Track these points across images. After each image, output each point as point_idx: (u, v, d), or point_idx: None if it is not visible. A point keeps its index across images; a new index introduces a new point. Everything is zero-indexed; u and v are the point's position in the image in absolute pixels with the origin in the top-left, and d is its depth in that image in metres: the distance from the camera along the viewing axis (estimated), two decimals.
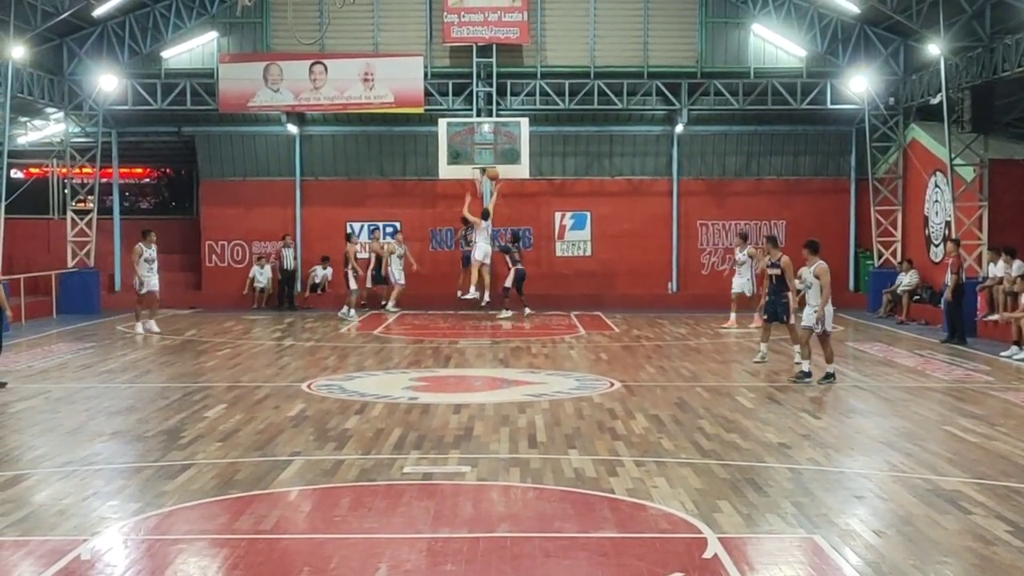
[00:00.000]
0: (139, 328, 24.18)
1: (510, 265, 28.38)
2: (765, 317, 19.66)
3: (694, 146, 32.32)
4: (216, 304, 30.95)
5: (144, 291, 24.43)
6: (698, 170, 32.50)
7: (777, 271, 19.13)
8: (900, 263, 29.23)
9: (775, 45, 31.19)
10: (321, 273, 31.49)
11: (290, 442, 12.46)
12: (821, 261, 17.02)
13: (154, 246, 24.66)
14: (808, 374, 16.99)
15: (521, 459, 11.57)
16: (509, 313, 27.77)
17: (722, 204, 32.40)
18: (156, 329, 24.22)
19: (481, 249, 27.94)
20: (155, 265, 24.65)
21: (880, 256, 30.55)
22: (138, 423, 13.73)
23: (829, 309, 16.99)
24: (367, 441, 12.50)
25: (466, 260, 28.51)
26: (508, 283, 28.29)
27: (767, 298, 19.62)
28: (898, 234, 30.48)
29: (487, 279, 28.32)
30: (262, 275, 31.50)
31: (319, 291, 31.52)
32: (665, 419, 13.92)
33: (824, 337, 17.01)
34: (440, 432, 13.02)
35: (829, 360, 17.11)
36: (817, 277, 16.85)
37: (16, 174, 33.14)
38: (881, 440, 12.71)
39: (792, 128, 32.10)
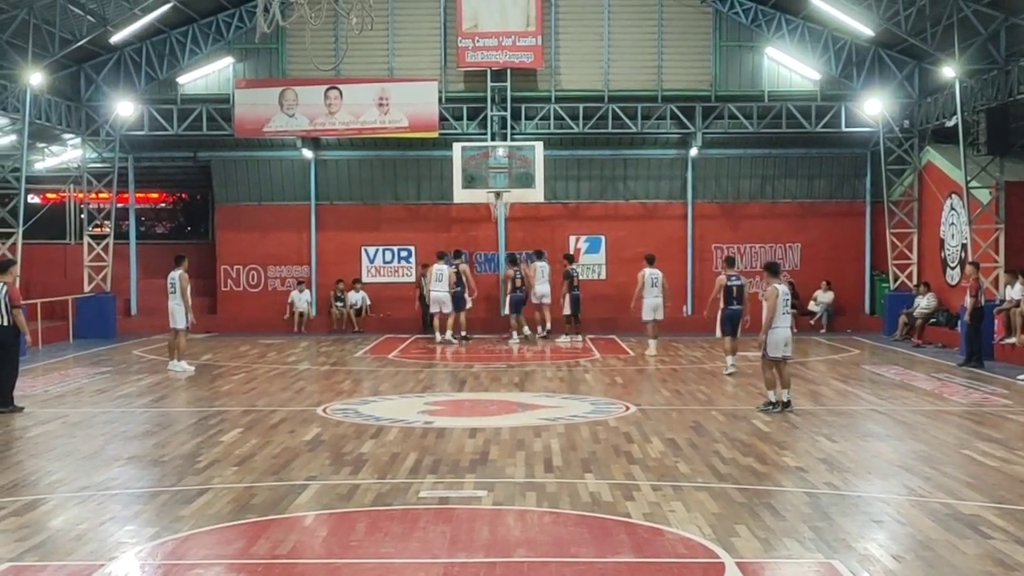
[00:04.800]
0: (185, 365, 22.14)
1: (567, 291, 28.08)
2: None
3: (708, 169, 32.34)
4: (231, 328, 31.00)
5: (188, 324, 22.42)
6: (712, 193, 32.51)
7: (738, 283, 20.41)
8: (916, 286, 29.16)
9: (789, 68, 31.23)
10: (356, 297, 31.52)
11: (306, 466, 12.45)
12: (776, 284, 16.73)
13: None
14: (772, 403, 16.62)
15: (537, 483, 11.54)
16: (568, 339, 27.63)
17: (737, 227, 32.39)
18: (189, 368, 22.11)
19: (539, 290, 28.31)
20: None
21: (896, 279, 30.48)
22: (154, 448, 13.75)
23: (773, 335, 16.42)
24: (383, 465, 12.49)
25: (516, 306, 28.30)
26: (567, 310, 28.03)
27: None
28: (914, 257, 30.41)
29: (547, 315, 28.64)
30: (301, 299, 31.60)
31: (362, 315, 31.52)
32: (681, 443, 13.88)
33: (768, 363, 16.53)
34: (456, 456, 13.00)
35: (769, 386, 16.62)
36: (764, 299, 16.66)
37: (33, 199, 33.28)
38: (899, 464, 12.65)
39: (807, 151, 32.10)
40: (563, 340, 27.67)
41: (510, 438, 14.20)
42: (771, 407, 16.40)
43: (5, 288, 16.82)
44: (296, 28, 30.31)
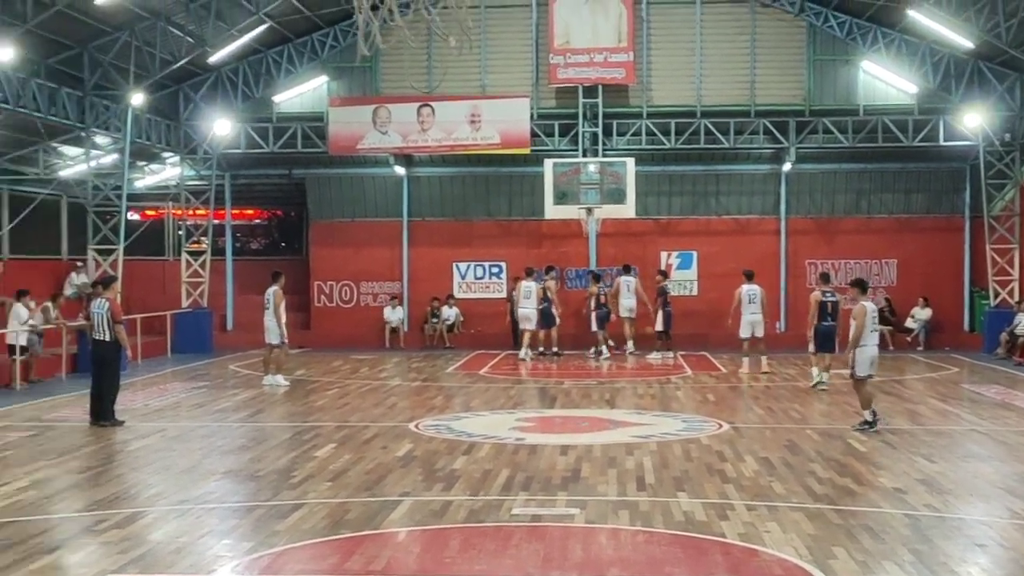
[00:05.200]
0: (281, 380, 22.25)
1: (660, 307, 27.92)
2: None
3: (802, 184, 32.02)
4: (324, 344, 31.32)
5: (281, 340, 22.49)
6: (807, 209, 32.17)
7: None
8: (1018, 303, 28.51)
9: (885, 82, 30.81)
10: (449, 313, 31.74)
11: (399, 482, 12.53)
12: (864, 302, 16.48)
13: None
14: (869, 423, 16.34)
15: (630, 501, 11.48)
16: (660, 355, 27.55)
17: (831, 243, 31.99)
18: (284, 383, 22.26)
19: (626, 305, 28.24)
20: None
21: (996, 296, 29.83)
22: (250, 462, 13.93)
23: (862, 354, 16.21)
24: (475, 482, 12.52)
25: (601, 322, 28.23)
26: (659, 327, 27.92)
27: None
28: (1015, 273, 29.75)
29: (632, 330, 28.62)
30: (393, 315, 31.90)
31: (455, 331, 31.71)
32: (775, 462, 13.72)
33: (861, 382, 16.35)
34: (547, 473, 12.99)
35: (866, 405, 16.34)
36: (853, 318, 16.39)
37: (133, 217, 34.00)
38: (1001, 486, 12.36)
39: (903, 165, 31.61)
40: (654, 357, 27.52)
41: (602, 455, 14.15)
42: (867, 426, 16.14)
43: (107, 304, 17.21)
44: (390, 47, 30.70)
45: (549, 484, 12.39)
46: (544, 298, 27.80)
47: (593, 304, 28.44)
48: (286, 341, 22.67)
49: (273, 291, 22.35)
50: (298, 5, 28.26)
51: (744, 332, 24.07)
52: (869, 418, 16.24)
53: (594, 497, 11.71)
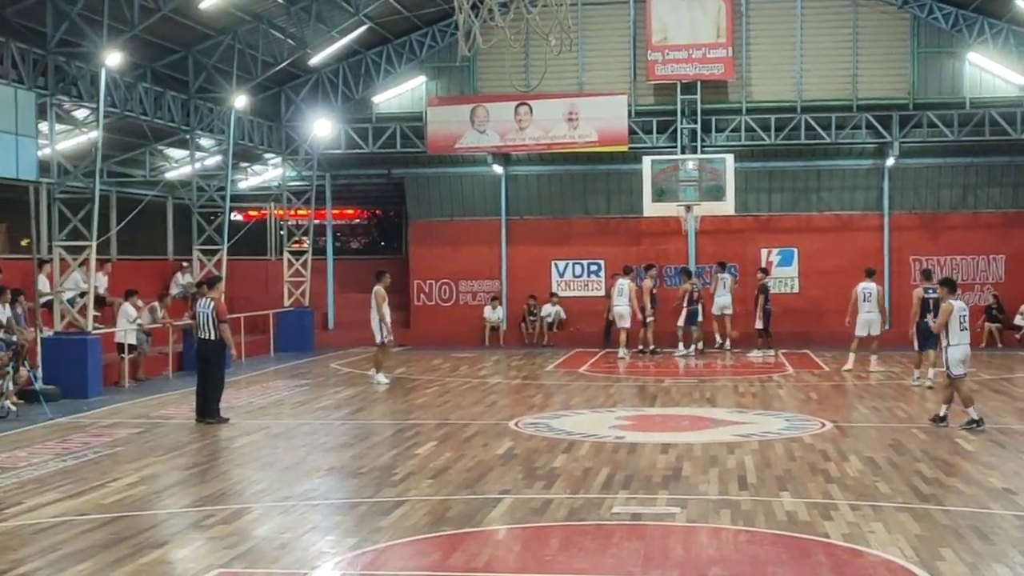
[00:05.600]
0: (381, 378, 22.49)
1: (760, 305, 27.63)
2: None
3: (906, 179, 31.45)
4: (424, 342, 31.54)
5: (388, 339, 22.77)
6: (911, 204, 31.59)
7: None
8: None
9: (992, 74, 30.12)
10: (550, 311, 31.80)
11: (499, 480, 12.57)
12: (952, 301, 16.15)
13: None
14: (975, 421, 16.02)
15: (731, 501, 11.39)
16: (761, 353, 27.33)
17: (936, 239, 31.37)
18: (384, 381, 22.40)
19: (720, 303, 28.32)
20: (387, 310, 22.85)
21: None
22: (352, 459, 14.09)
23: (953, 353, 15.94)
24: (575, 480, 12.51)
25: (692, 318, 28.04)
26: (759, 324, 27.58)
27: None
28: None
29: (728, 327, 28.62)
30: (493, 314, 32.05)
31: (554, 329, 31.76)
32: (880, 461, 13.50)
33: (957, 381, 16.05)
34: (648, 472, 12.94)
35: (967, 403, 16.04)
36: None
37: (236, 217, 34.58)
38: None
39: (1011, 159, 30.88)
40: (755, 354, 27.25)
41: (703, 454, 14.06)
42: (974, 425, 15.82)
43: (212, 304, 17.53)
44: (489, 47, 30.83)
45: (649, 483, 12.34)
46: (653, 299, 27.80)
47: (685, 301, 28.20)
48: (387, 340, 22.79)
49: (374, 290, 22.53)
50: (397, 6, 28.51)
51: (860, 330, 23.75)
52: (975, 416, 15.92)
53: (695, 496, 11.63)
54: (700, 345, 28.15)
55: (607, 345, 29.54)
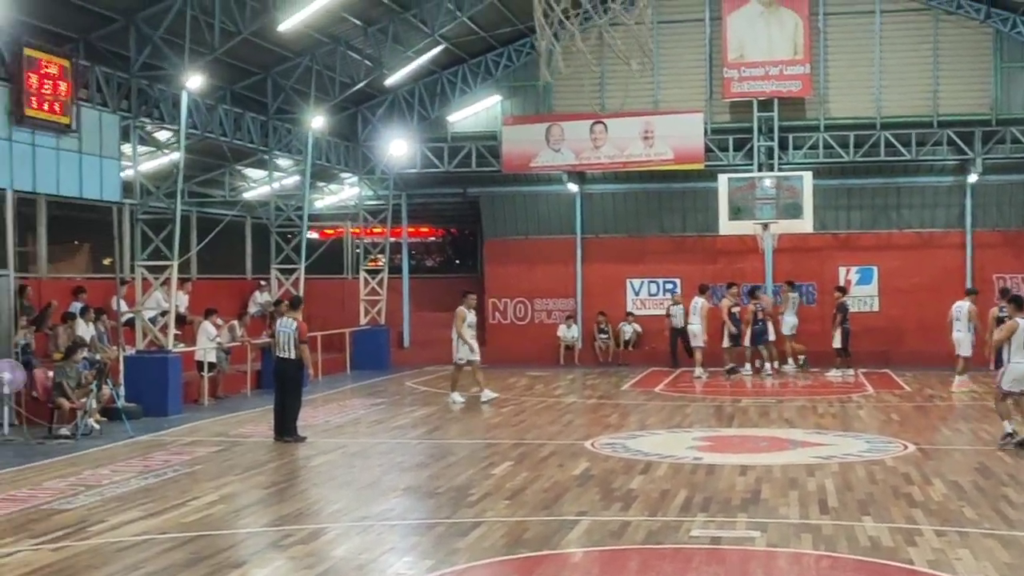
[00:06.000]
0: (456, 397, 22.47)
1: (838, 324, 27.26)
2: None
3: (989, 196, 30.91)
4: (499, 360, 31.47)
5: (473, 357, 22.58)
6: (994, 221, 31.03)
7: None
8: None
9: None
10: (627, 329, 31.70)
11: (576, 501, 12.50)
12: (1019, 319, 15.85)
13: (473, 310, 23.07)
14: (1010, 435, 15.90)
15: (812, 525, 11.21)
16: (840, 373, 26.98)
17: (1020, 256, 30.76)
18: (460, 400, 22.39)
19: (789, 323, 28.21)
20: (474, 329, 23.04)
21: None
22: (429, 479, 14.10)
23: (1012, 369, 15.89)
24: (653, 502, 12.41)
25: (756, 338, 27.79)
26: (837, 344, 27.18)
27: None
28: None
29: (797, 347, 28.44)
30: (568, 333, 32.01)
31: (630, 347, 31.66)
32: (965, 485, 13.23)
33: (1004, 395, 16.08)
34: (727, 494, 12.79)
35: (1004, 416, 16.06)
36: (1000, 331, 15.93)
37: (313, 236, 34.88)
38: None
39: None
40: (834, 374, 26.90)
41: (782, 476, 13.88)
42: (1009, 439, 15.64)
43: (294, 324, 17.67)
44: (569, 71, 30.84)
45: (728, 505, 12.20)
46: (732, 315, 27.54)
47: (751, 320, 27.93)
48: (464, 359, 22.65)
49: (456, 311, 22.49)
50: (473, 26, 28.62)
51: (962, 350, 23.70)
52: (1008, 430, 15.79)
53: (775, 520, 11.47)
54: (777, 364, 27.88)
55: (674, 364, 29.36)
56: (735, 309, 27.77)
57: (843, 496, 12.64)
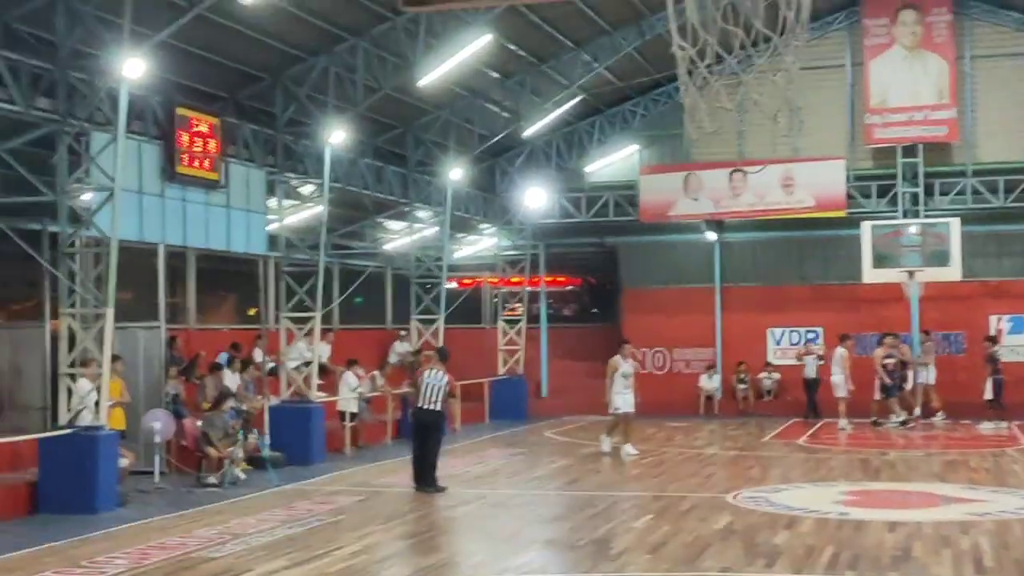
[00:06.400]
0: (605, 445, 22.23)
1: (989, 374, 26.52)
2: None
3: None
4: (638, 410, 31.03)
5: (625, 410, 21.92)
6: None
7: None
8: None
9: None
10: (768, 380, 31.30)
11: (719, 556, 12.29)
12: None
13: (631, 360, 22.63)
14: None
15: None
16: (992, 425, 26.15)
17: None
18: (633, 452, 21.81)
19: (929, 373, 27.68)
20: (630, 381, 22.14)
21: None
22: (569, 532, 14.02)
23: None
24: (798, 558, 12.13)
25: (892, 389, 27.15)
26: (989, 395, 26.45)
27: None
28: None
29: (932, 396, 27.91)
30: (709, 382, 31.72)
31: (770, 397, 31.23)
32: None
33: None
34: (875, 552, 12.44)
35: None
36: None
37: (451, 285, 35.20)
38: None
39: None
40: (986, 426, 26.06)
41: (933, 533, 13.45)
42: None
43: (446, 378, 17.81)
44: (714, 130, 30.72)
45: (878, 563, 11.86)
46: (884, 366, 26.96)
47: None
48: (619, 410, 22.06)
49: (611, 360, 22.26)
50: (610, 76, 28.71)
51: None
52: None
53: None
54: (917, 412, 27.19)
55: (809, 415, 28.71)
56: (888, 360, 26.98)
57: (999, 555, 12.18)
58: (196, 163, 18.89)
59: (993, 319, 30.41)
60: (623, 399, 21.89)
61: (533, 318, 34.00)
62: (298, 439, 21.11)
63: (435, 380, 17.73)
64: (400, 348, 30.04)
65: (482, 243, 35.02)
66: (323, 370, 24.10)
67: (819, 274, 31.92)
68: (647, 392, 32.06)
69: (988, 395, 26.33)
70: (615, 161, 32.47)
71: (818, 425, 27.66)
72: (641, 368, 32.33)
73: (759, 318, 32.05)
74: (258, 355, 23.09)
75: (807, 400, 29.28)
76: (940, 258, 27.96)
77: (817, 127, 30.84)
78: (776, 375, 31.36)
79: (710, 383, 31.75)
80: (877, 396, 26.84)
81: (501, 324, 32.52)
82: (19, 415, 19.06)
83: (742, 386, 31.44)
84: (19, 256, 18.37)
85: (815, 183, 29.70)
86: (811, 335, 31.52)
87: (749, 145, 29.97)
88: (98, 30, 15.90)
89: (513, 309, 33.03)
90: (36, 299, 21.09)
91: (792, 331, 31.93)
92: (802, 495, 16.78)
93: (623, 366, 22.04)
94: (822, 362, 28.72)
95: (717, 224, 31.94)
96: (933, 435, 25.47)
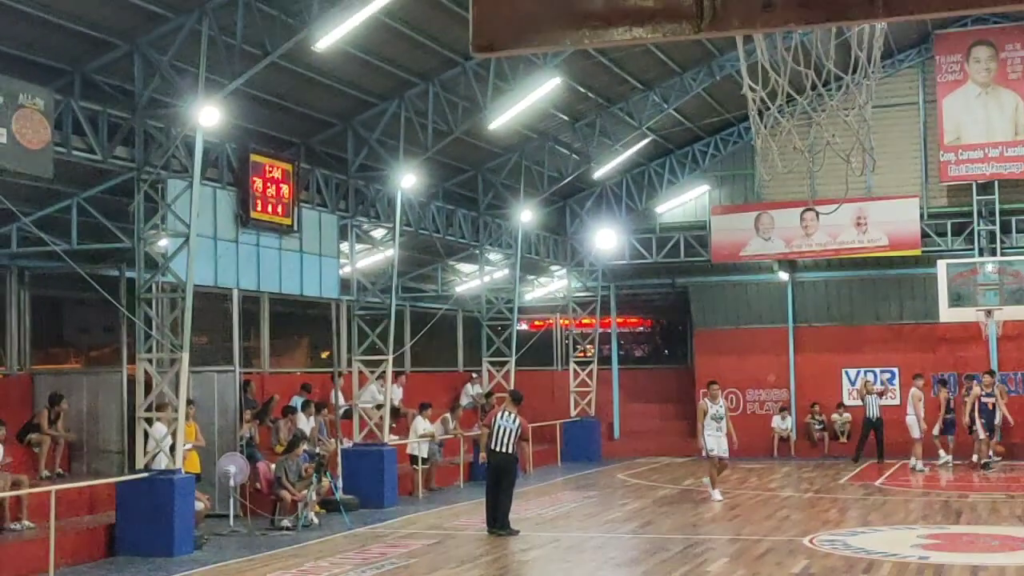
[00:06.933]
0: (715, 495, 21.44)
1: None
2: None
3: None
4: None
5: (717, 453, 21.37)
6: None
7: None
8: None
9: None
10: (843, 420, 30.91)
11: None
12: None
13: (721, 401, 21.88)
14: None
15: None
16: None
17: None
18: (718, 497, 21.37)
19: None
20: (722, 423, 21.46)
21: None
22: None
23: None
24: None
25: (948, 428, 26.67)
26: None
27: None
28: None
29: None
30: (783, 424, 31.39)
31: (844, 437, 30.79)
32: None
33: None
34: None
35: None
36: None
37: (522, 327, 35.22)
38: None
39: None
40: None
41: None
42: None
43: (519, 421, 17.81)
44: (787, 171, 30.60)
45: None
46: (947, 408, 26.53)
47: (943, 410, 26.78)
48: (712, 451, 21.50)
49: (699, 403, 22.04)
50: (679, 117, 28.69)
51: None
52: None
53: None
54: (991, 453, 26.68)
55: (858, 457, 28.12)
56: (987, 399, 26.40)
57: None
58: (270, 208, 19.12)
59: None
60: (714, 441, 21.34)
61: (604, 360, 33.91)
62: (371, 482, 21.18)
63: (508, 423, 17.75)
64: (472, 390, 30.10)
65: (553, 285, 35.02)
66: (395, 413, 24.18)
67: (894, 313, 31.51)
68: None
69: None
70: (685, 201, 32.39)
71: (896, 466, 27.18)
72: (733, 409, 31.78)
73: (833, 358, 31.67)
74: (338, 398, 23.18)
75: (859, 439, 28.66)
76: (1019, 296, 27.52)
77: (890, 165, 30.51)
78: (850, 416, 30.90)
79: (783, 424, 31.42)
80: (982, 435, 26.21)
81: (572, 366, 32.45)
82: (97, 459, 19.31)
83: (817, 427, 31.06)
84: (98, 302, 18.73)
85: (889, 221, 29.39)
86: (886, 375, 31.07)
87: (821, 184, 29.73)
88: (174, 79, 16.22)
89: (584, 351, 32.96)
90: (114, 344, 21.44)
91: (868, 371, 31.47)
92: (880, 538, 16.50)
93: (711, 408, 21.52)
94: (881, 400, 28.35)
95: (789, 264, 31.70)
96: (1015, 477, 24.93)
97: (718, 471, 21.68)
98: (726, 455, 21.63)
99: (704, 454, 21.77)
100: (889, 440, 27.96)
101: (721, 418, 21.44)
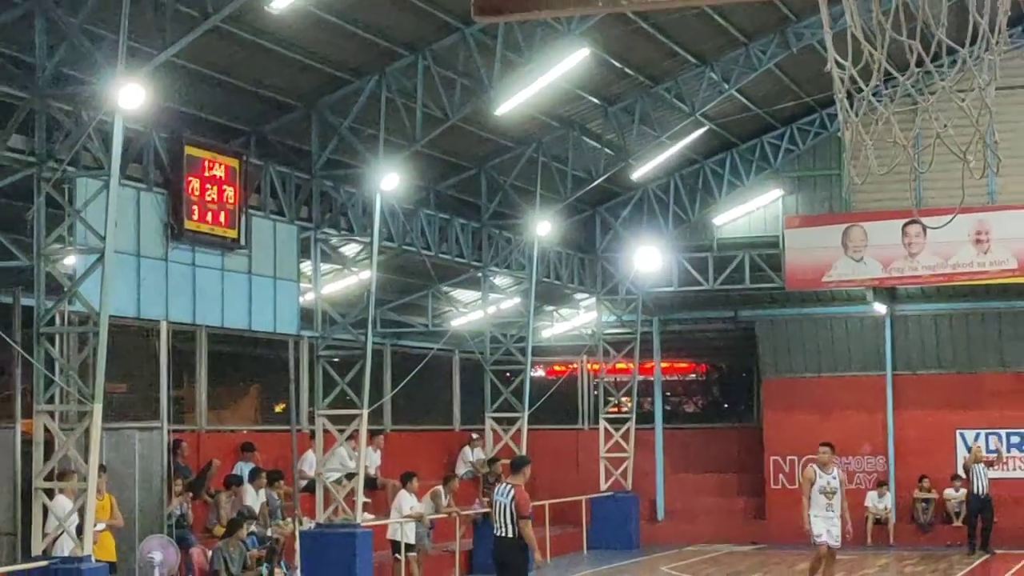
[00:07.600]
0: None
1: None
2: None
3: None
4: (784, 539, 30.80)
5: (828, 542, 20.67)
6: None
7: None
8: None
9: None
10: (955, 496, 30.74)
11: None
12: None
13: (835, 470, 21.14)
14: None
15: None
16: None
17: None
18: None
19: None
20: (836, 500, 20.73)
21: None
22: None
23: None
24: None
25: None
26: None
27: None
28: None
29: None
30: (879, 502, 31.23)
31: (959, 520, 30.59)
32: None
33: None
34: None
35: None
36: None
37: (538, 374, 35.14)
38: None
39: None
40: None
41: None
42: None
43: (513, 492, 17.34)
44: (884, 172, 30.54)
45: None
46: None
47: None
48: (821, 539, 20.77)
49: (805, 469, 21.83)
50: (745, 101, 28.63)
51: None
52: None
53: None
54: None
55: (971, 549, 28.10)
56: None
57: None
58: (209, 217, 19.09)
59: None
60: (823, 524, 20.62)
61: (645, 417, 33.80)
62: (338, 574, 21.06)
63: (503, 496, 17.16)
64: (472, 456, 29.98)
65: (578, 319, 34.96)
66: (371, 485, 24.09)
67: None
68: (797, 514, 31.76)
69: None
70: (752, 211, 32.37)
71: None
72: (788, 483, 31.91)
73: (945, 416, 31.58)
74: (310, 463, 23.05)
75: (969, 524, 28.61)
76: None
77: (1019, 166, 30.45)
78: (962, 492, 30.76)
79: (880, 503, 31.28)
80: None
81: (603, 424, 32.34)
82: None
83: (924, 505, 30.93)
84: None
85: (1017, 237, 29.33)
86: (1015, 439, 30.96)
87: (929, 189, 29.65)
88: (86, 48, 16.09)
89: (619, 405, 32.86)
90: (4, 392, 21.37)
91: (990, 433, 31.37)
92: None
93: (821, 478, 20.80)
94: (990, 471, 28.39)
95: (888, 293, 31.63)
96: None
97: (825, 565, 20.93)
98: (838, 544, 20.88)
99: (811, 541, 20.91)
100: (1013, 524, 27.93)
101: (834, 492, 20.68)
